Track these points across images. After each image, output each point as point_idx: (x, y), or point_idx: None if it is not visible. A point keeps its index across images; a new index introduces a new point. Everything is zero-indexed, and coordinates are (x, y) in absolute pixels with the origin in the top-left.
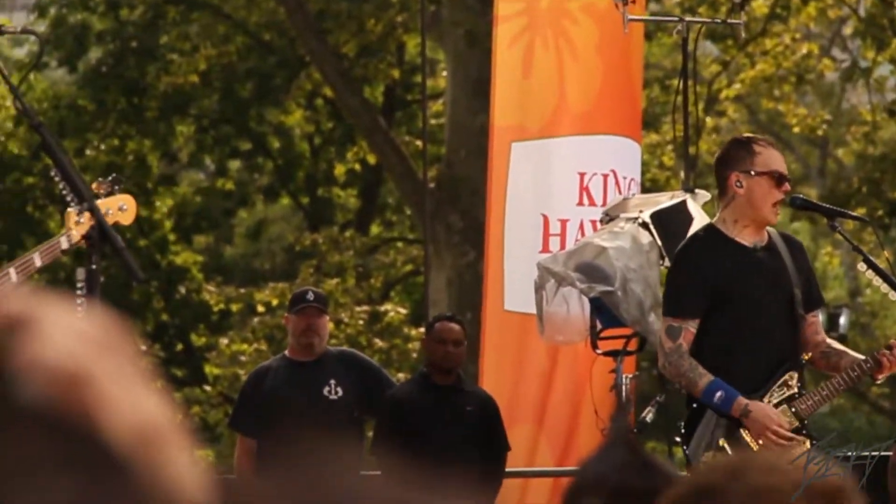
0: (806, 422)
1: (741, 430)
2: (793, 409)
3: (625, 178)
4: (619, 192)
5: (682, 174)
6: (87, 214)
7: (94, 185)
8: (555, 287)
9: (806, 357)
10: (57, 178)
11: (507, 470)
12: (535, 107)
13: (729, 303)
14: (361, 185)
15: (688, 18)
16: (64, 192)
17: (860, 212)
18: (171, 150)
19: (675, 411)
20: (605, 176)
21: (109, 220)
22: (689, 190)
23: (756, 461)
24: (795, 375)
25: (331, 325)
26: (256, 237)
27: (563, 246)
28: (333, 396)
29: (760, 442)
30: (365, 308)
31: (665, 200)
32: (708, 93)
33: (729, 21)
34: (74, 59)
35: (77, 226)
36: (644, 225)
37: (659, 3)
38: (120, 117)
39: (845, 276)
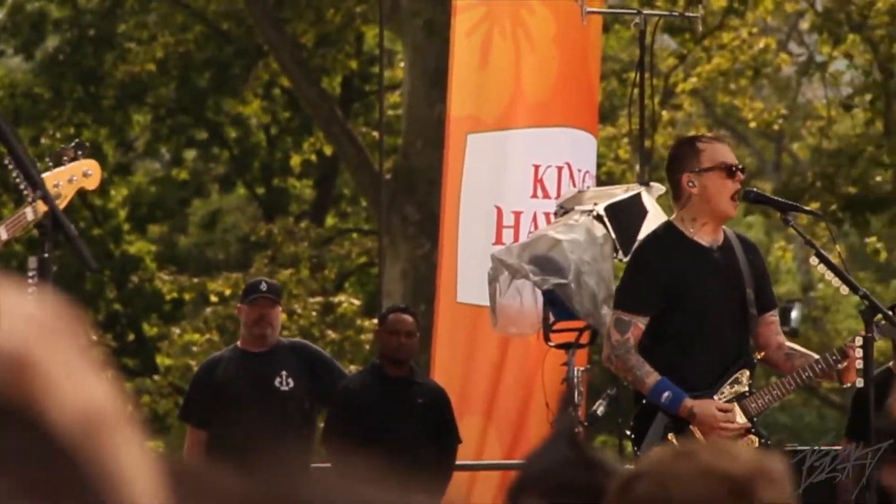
0: (755, 419)
1: (690, 427)
2: (742, 407)
3: (580, 170)
4: (574, 185)
5: (637, 167)
6: (39, 202)
7: (59, 151)
8: (508, 279)
9: (759, 356)
10: (11, 167)
11: (456, 463)
12: (491, 97)
13: (683, 302)
14: (317, 175)
15: (646, 11)
16: (17, 181)
17: (814, 206)
18: (126, 139)
19: (627, 404)
20: (560, 168)
21: (74, 186)
22: (644, 183)
23: (705, 446)
24: (747, 373)
25: (283, 317)
26: (211, 227)
27: (516, 238)
28: (285, 388)
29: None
30: (318, 299)
31: (620, 193)
32: (664, 86)
33: (686, 14)
34: (31, 46)
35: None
36: (598, 218)
37: None
38: (76, 106)
39: (798, 271)
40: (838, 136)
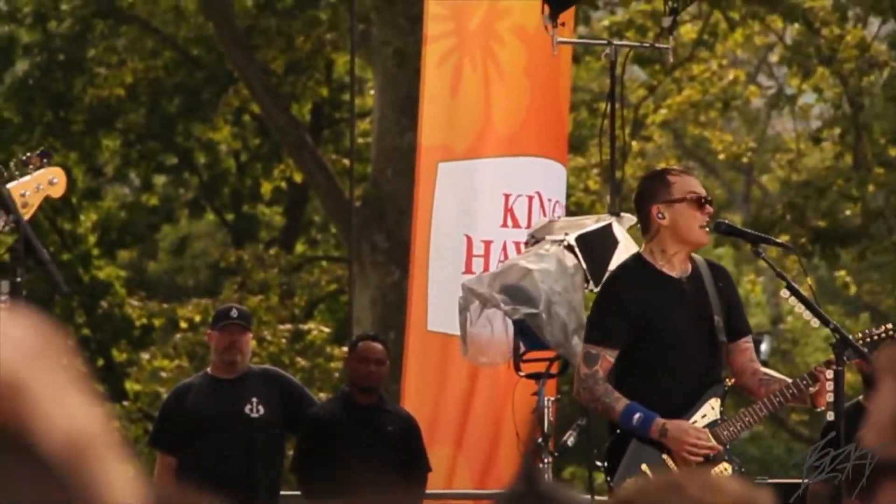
0: (728, 447)
1: (663, 456)
2: (714, 435)
3: (549, 200)
4: (544, 215)
5: (607, 198)
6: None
7: (25, 158)
8: (479, 308)
9: (730, 383)
10: None
11: (426, 492)
12: (461, 127)
13: (653, 334)
14: (287, 202)
15: (616, 42)
16: None
17: (784, 238)
18: (96, 164)
19: (597, 435)
20: (531, 198)
21: (41, 195)
22: (615, 213)
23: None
24: (718, 402)
25: (253, 343)
26: (180, 253)
27: (486, 267)
28: (255, 415)
29: (682, 455)
30: (288, 326)
31: (591, 224)
32: (634, 117)
33: (657, 46)
34: (1, 71)
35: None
36: (569, 248)
37: (587, 27)
38: (46, 130)
39: (767, 303)
40: (807, 169)
